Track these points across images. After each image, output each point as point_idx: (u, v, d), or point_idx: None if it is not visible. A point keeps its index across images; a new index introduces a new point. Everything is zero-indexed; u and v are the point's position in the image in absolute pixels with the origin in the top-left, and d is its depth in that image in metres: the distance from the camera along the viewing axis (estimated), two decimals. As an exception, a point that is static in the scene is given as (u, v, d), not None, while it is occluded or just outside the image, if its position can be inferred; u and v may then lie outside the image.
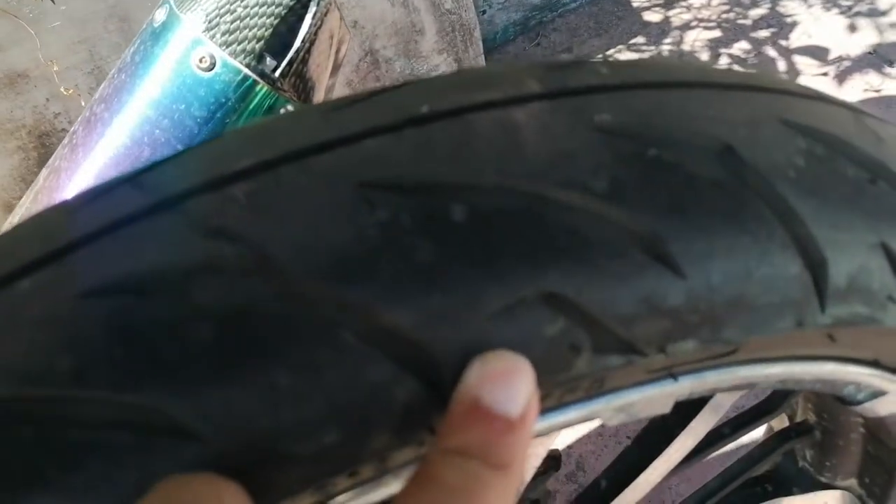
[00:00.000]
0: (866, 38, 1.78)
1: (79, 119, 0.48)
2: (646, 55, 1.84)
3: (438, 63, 1.46)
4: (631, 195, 0.22)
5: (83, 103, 1.15)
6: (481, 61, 1.54)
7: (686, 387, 0.27)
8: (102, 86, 0.48)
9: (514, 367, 0.19)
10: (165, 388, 0.18)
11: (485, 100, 0.23)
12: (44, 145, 1.20)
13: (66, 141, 0.47)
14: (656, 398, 0.27)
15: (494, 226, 0.20)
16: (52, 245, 0.20)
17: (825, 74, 1.70)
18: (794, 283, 0.24)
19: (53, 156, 0.48)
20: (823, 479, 0.54)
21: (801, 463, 0.56)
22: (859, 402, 0.39)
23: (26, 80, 1.15)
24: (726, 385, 0.29)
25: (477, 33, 1.50)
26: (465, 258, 0.20)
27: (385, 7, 1.33)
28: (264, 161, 0.21)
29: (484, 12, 1.81)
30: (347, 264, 0.19)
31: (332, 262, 0.19)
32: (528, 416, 0.19)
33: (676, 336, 0.23)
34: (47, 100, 1.17)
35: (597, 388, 0.24)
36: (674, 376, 0.26)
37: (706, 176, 0.23)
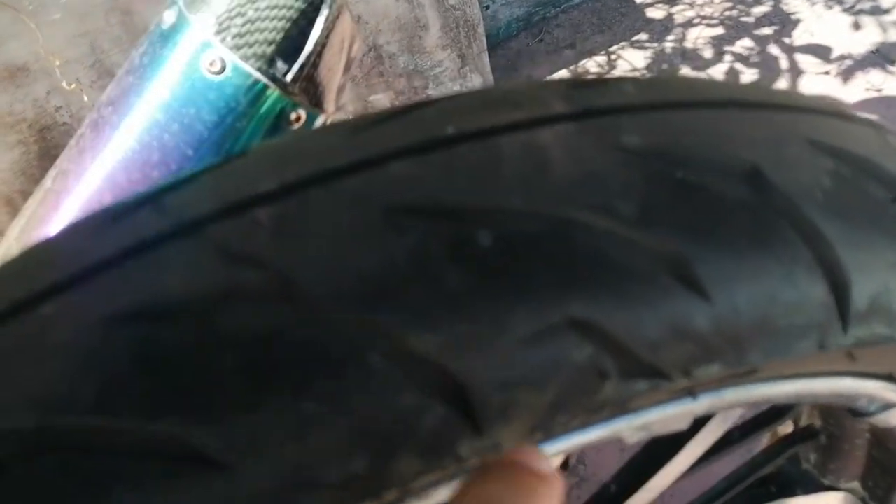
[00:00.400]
0: (869, 36, 1.78)
1: (85, 121, 0.47)
2: (648, 52, 1.83)
3: (442, 59, 1.45)
4: (659, 218, 0.21)
5: (86, 98, 1.14)
6: (485, 57, 1.54)
7: (705, 404, 0.27)
8: (109, 87, 0.47)
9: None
10: (190, 416, 0.18)
11: (510, 121, 0.23)
12: (45, 139, 1.19)
13: (73, 143, 0.47)
14: (676, 416, 0.27)
15: (522, 251, 0.20)
16: (74, 268, 0.20)
17: (827, 73, 1.70)
18: (818, 305, 0.24)
19: (60, 157, 0.48)
20: (827, 482, 0.55)
21: (804, 465, 0.57)
22: (871, 414, 0.39)
23: (26, 73, 1.14)
24: (744, 402, 0.29)
25: (481, 29, 1.49)
26: (493, 284, 0.20)
27: (389, 2, 1.32)
28: (288, 184, 0.21)
29: (487, 7, 1.80)
30: (375, 290, 0.19)
31: (359, 288, 0.19)
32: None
33: (701, 360, 0.22)
34: (48, 93, 1.16)
35: (620, 409, 0.24)
36: (693, 395, 0.26)
37: (733, 198, 0.23)
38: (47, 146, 1.19)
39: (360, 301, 0.19)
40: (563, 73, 1.81)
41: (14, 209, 1.20)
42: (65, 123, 1.20)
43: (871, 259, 0.25)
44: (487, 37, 1.58)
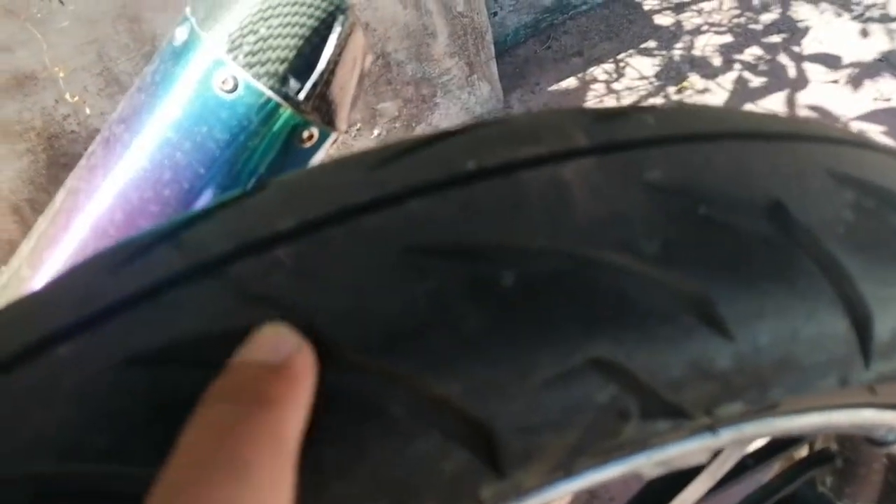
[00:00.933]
0: (877, 44, 1.77)
1: (96, 139, 0.47)
2: (657, 59, 1.82)
3: (450, 66, 1.45)
4: (681, 256, 0.21)
5: (88, 111, 1.14)
6: (493, 65, 1.53)
7: (726, 439, 0.26)
8: (121, 104, 0.47)
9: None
10: None
11: (531, 155, 0.22)
12: (52, 147, 1.19)
13: (83, 161, 0.47)
14: (696, 451, 0.26)
15: (545, 291, 0.20)
16: (91, 309, 0.20)
17: (835, 82, 1.69)
18: (840, 341, 0.23)
19: (70, 176, 0.47)
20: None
21: (820, 489, 0.56)
22: (890, 443, 0.38)
23: (34, 81, 1.14)
24: (764, 435, 0.29)
25: (489, 36, 1.49)
26: (515, 326, 0.19)
27: (397, 10, 1.32)
28: (309, 221, 0.21)
29: (495, 14, 1.80)
30: (395, 335, 0.19)
31: (379, 332, 0.19)
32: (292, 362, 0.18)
33: (724, 399, 0.22)
34: (56, 101, 1.16)
35: (640, 447, 0.24)
36: (714, 430, 0.25)
37: (756, 234, 0.22)
38: (55, 154, 1.19)
39: (380, 347, 0.19)
40: (570, 81, 1.80)
41: (22, 218, 1.20)
42: (73, 132, 1.20)
43: (895, 292, 0.24)
44: (495, 44, 1.57)
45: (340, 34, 0.44)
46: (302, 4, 0.43)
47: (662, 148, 0.24)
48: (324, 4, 0.44)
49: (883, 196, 0.26)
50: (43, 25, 1.10)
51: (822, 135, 0.28)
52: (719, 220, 0.22)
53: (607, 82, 1.78)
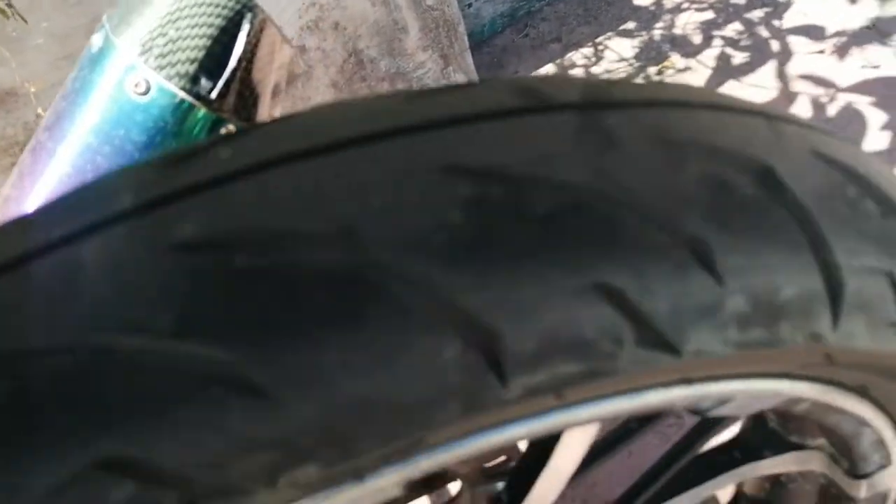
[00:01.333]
0: (865, 10, 1.74)
1: (26, 147, 0.48)
2: (636, 41, 1.81)
3: (424, 60, 1.45)
4: (202, 323, 0.19)
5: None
6: (468, 56, 1.54)
7: (389, 480, 0.22)
8: (47, 113, 0.48)
9: None
10: None
11: (44, 241, 0.20)
12: (34, 162, 1.22)
13: (14, 170, 0.48)
14: (357, 497, 0.22)
15: (35, 395, 0.18)
16: None
17: (821, 52, 1.67)
18: (454, 367, 0.20)
19: (5, 184, 0.49)
20: (794, 440, 0.51)
21: (770, 425, 0.53)
22: (706, 410, 0.33)
23: (15, 97, 1.17)
24: (448, 463, 0.24)
25: (461, 28, 1.49)
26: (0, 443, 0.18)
27: (366, 7, 1.33)
28: None
29: (470, 5, 1.80)
30: None
31: None
32: None
33: (288, 465, 0.20)
34: (38, 116, 1.19)
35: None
36: (360, 477, 0.22)
37: (315, 270, 0.19)
38: (37, 168, 1.22)
39: None
40: (549, 68, 1.80)
41: (9, 231, 1.22)
42: (53, 145, 1.22)
43: (537, 296, 0.20)
44: (472, 35, 1.58)
45: (250, 32, 0.45)
46: (210, 5, 0.45)
47: (218, 188, 0.20)
48: (231, 4, 0.45)
49: (517, 176, 0.21)
50: (19, 43, 1.12)
51: (447, 118, 0.23)
52: (257, 266, 0.19)
53: (586, 66, 1.77)
